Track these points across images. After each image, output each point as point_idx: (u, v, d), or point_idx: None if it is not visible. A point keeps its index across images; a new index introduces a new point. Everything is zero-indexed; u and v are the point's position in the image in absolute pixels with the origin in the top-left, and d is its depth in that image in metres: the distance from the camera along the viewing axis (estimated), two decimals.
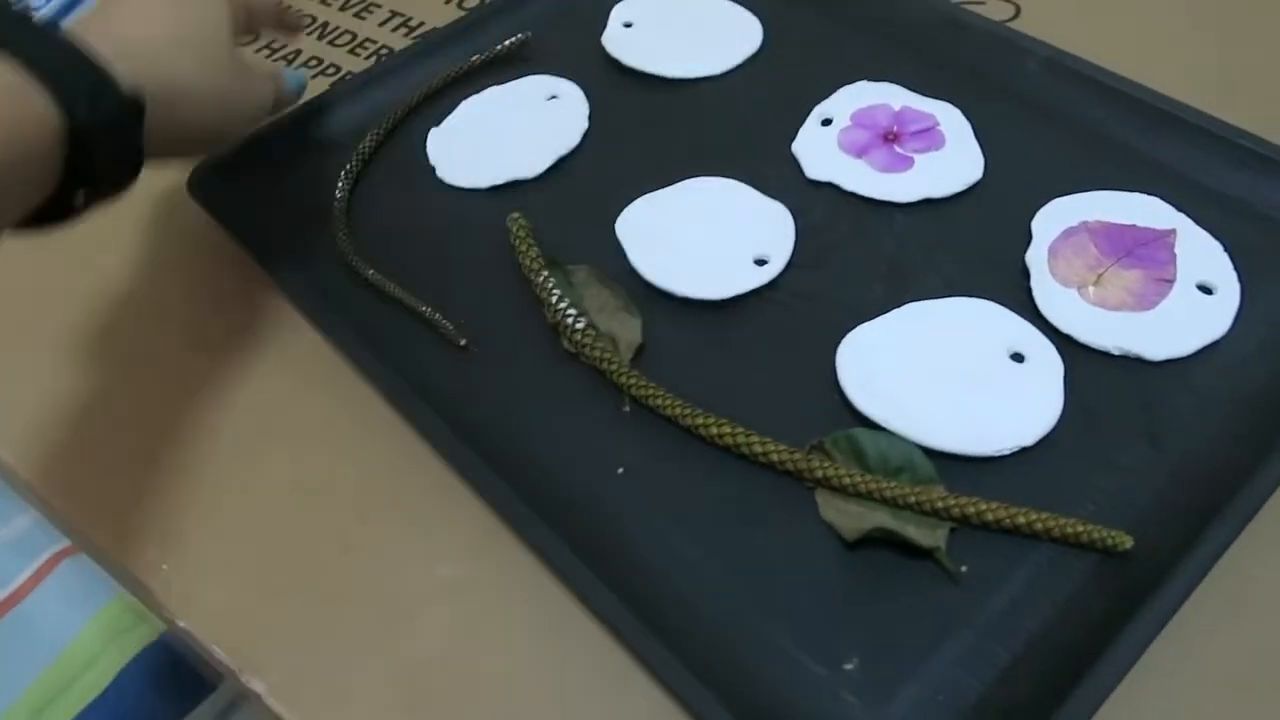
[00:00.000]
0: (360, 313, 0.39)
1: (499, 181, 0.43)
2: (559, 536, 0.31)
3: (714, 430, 0.34)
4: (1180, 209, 0.38)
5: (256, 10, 0.41)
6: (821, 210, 0.40)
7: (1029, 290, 0.36)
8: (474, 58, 0.47)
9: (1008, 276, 0.37)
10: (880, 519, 0.31)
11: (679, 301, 0.38)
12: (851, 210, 0.40)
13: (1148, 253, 0.37)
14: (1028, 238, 0.38)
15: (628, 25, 0.49)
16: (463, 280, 0.40)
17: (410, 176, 0.44)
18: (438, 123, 0.46)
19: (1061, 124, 0.42)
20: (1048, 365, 0.34)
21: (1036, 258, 0.37)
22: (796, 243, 0.39)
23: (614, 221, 0.40)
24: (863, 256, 0.39)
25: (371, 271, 0.40)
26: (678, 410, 0.34)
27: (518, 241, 0.39)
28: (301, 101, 0.45)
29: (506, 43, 0.48)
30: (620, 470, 0.34)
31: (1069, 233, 0.37)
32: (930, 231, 0.39)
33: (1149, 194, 0.38)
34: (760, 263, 0.38)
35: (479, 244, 0.41)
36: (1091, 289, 0.36)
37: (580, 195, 0.42)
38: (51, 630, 0.46)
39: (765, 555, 0.32)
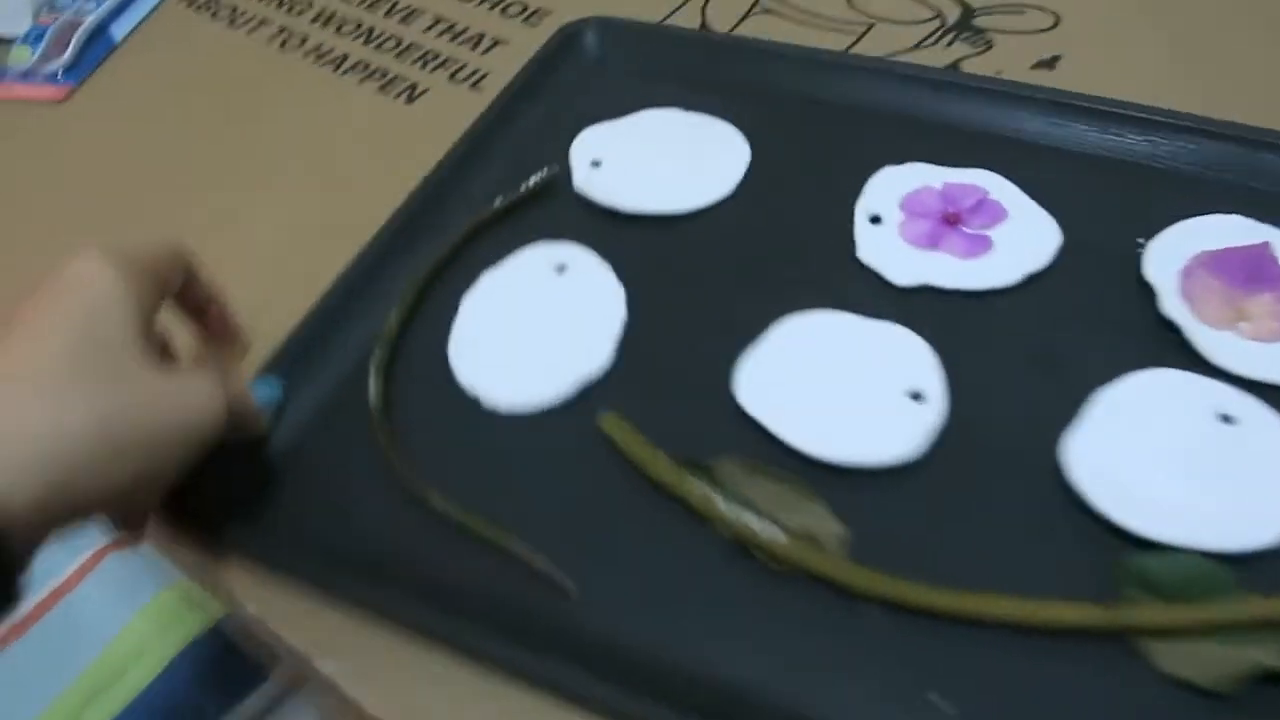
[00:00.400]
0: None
1: (567, 391, 0.35)
2: None
3: (993, 610, 0.28)
4: (1261, 220, 0.37)
5: (166, 282, 0.31)
6: (933, 318, 0.36)
7: (1182, 345, 0.34)
8: (498, 201, 0.40)
9: (1155, 334, 0.35)
10: (1250, 655, 0.27)
11: (853, 474, 0.32)
12: (960, 309, 0.36)
13: (1262, 272, 0.36)
14: (1146, 289, 0.36)
15: (596, 164, 0.42)
16: (554, 508, 0.32)
17: (444, 393, 0.36)
18: (445, 331, 0.37)
19: (1098, 162, 0.40)
20: (1265, 420, 0.32)
21: (1176, 308, 0.35)
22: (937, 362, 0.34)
23: (720, 395, 0.34)
24: (1011, 358, 0.35)
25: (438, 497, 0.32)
26: (942, 601, 0.28)
27: (631, 446, 0.32)
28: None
29: (535, 180, 0.41)
30: (927, 692, 0.27)
31: (1187, 274, 0.36)
32: (1051, 310, 0.36)
33: (1225, 213, 0.38)
34: (915, 397, 0.34)
35: (559, 460, 0.33)
36: (1243, 325, 0.34)
37: (666, 375, 0.35)
38: (100, 622, 0.46)
39: None
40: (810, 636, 0.29)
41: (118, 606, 0.46)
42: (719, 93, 0.45)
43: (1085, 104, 0.41)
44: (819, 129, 0.43)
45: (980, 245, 0.38)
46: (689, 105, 0.44)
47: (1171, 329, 0.35)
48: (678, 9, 0.52)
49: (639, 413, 0.33)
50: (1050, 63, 0.46)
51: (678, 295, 0.38)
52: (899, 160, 0.41)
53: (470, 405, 0.35)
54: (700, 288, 0.38)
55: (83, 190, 0.49)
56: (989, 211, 0.39)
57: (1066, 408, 0.33)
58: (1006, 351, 0.35)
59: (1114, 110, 0.40)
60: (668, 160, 0.42)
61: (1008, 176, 0.40)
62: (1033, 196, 0.39)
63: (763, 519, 0.30)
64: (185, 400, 0.29)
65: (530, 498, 0.33)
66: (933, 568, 0.29)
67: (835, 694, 0.28)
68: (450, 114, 0.46)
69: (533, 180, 0.41)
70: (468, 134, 0.43)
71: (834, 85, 0.44)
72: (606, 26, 0.48)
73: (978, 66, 0.46)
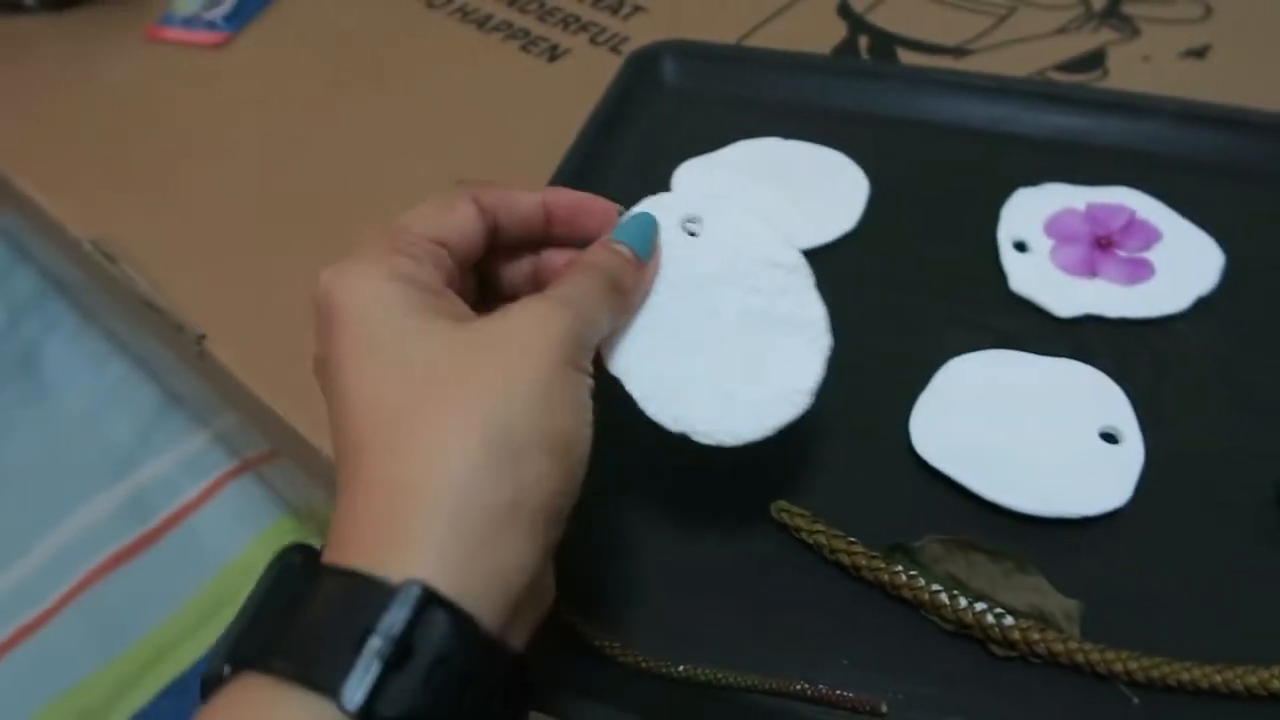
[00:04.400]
0: None
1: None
2: None
3: (1260, 683, 0.25)
4: None
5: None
6: (1108, 350, 0.33)
7: None
8: None
9: None
10: None
11: (1053, 524, 0.30)
12: (1133, 339, 0.34)
13: None
14: None
15: None
16: (758, 622, 0.29)
17: None
18: None
19: (1246, 172, 0.38)
20: None
21: None
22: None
23: (895, 452, 0.31)
24: (1198, 389, 0.32)
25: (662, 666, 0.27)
26: (1198, 676, 0.26)
27: (817, 535, 0.29)
28: None
29: None
30: None
31: None
32: (1231, 334, 0.34)
33: None
34: (1109, 438, 0.31)
35: (736, 564, 0.30)
36: None
37: (830, 435, 0.32)
38: (219, 543, 0.48)
39: None
40: None
41: (238, 530, 0.48)
42: (819, 118, 0.42)
43: (1222, 114, 0.39)
44: (937, 153, 0.40)
45: (1141, 270, 0.35)
46: (788, 133, 0.42)
47: None
48: (766, 21, 0.50)
49: (807, 482, 0.31)
50: (1200, 52, 0.45)
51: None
52: (1033, 181, 0.38)
53: None
54: (845, 333, 0.35)
55: (233, 138, 0.50)
56: (1141, 233, 0.37)
57: (1273, 439, 0.31)
58: (1193, 382, 0.33)
59: (1254, 120, 0.39)
60: (780, 194, 0.39)
61: (1152, 193, 0.38)
62: (1183, 214, 0.37)
63: (985, 602, 0.27)
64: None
65: (729, 619, 0.29)
66: (1173, 633, 0.27)
67: None
68: (591, 75, 0.46)
69: None
70: (555, 178, 0.40)
71: (946, 105, 0.41)
72: (684, 51, 0.46)
73: (1125, 53, 0.46)
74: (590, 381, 0.23)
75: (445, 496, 0.20)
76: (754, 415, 0.27)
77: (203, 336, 0.40)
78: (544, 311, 0.23)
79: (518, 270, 0.28)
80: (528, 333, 0.22)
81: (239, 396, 0.40)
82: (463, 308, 0.24)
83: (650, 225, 0.27)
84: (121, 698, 0.44)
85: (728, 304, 0.28)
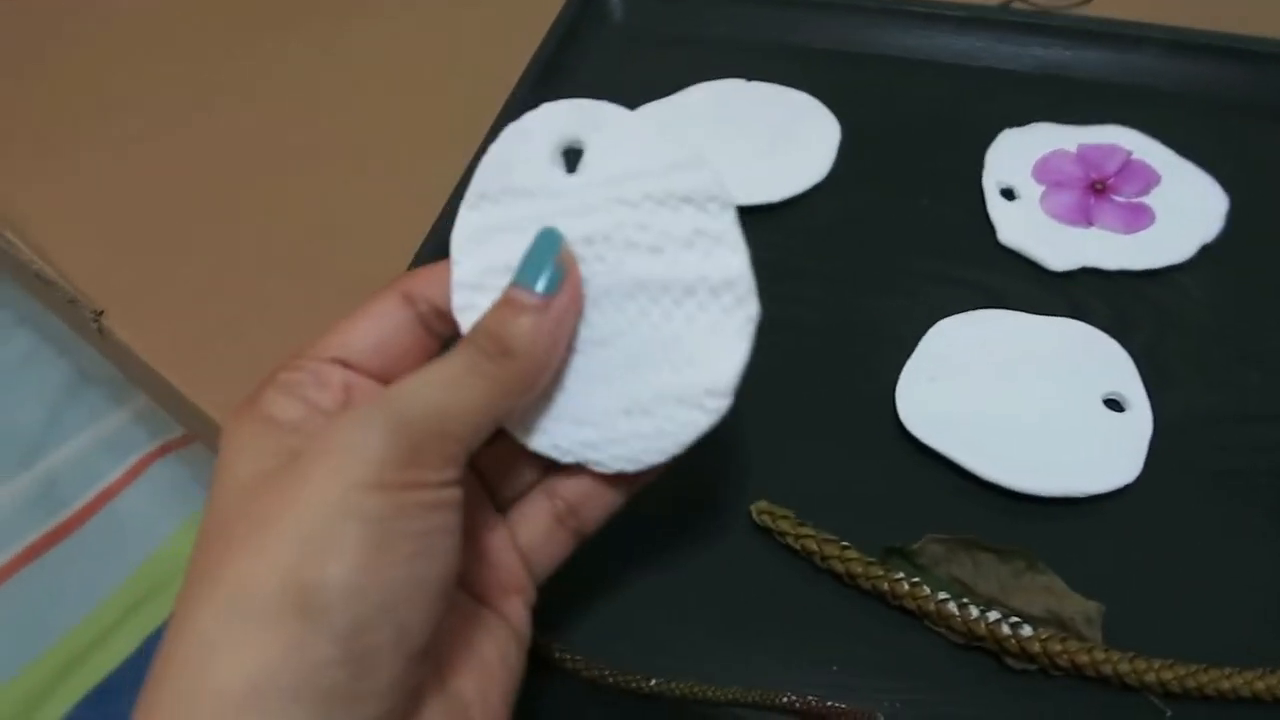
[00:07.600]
0: None
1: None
2: None
3: None
4: None
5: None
6: (1106, 307, 0.29)
7: None
8: None
9: None
10: None
11: (1060, 505, 0.25)
12: (1132, 294, 0.29)
13: None
14: None
15: None
16: (741, 634, 0.24)
17: None
18: None
19: (1246, 107, 0.33)
20: None
21: None
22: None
23: (882, 427, 0.26)
24: (1204, 348, 0.28)
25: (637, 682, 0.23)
26: (1237, 684, 0.22)
27: (805, 540, 0.24)
28: None
29: None
30: None
31: None
32: (1237, 285, 0.29)
33: None
34: (1114, 405, 0.26)
35: (710, 570, 0.25)
36: None
37: (808, 412, 0.27)
38: (145, 529, 0.43)
39: None
40: None
41: (164, 513, 0.44)
42: (783, 56, 0.36)
43: (1216, 42, 0.34)
44: (913, 91, 0.35)
45: (1140, 217, 0.31)
46: (751, 74, 0.36)
47: None
48: None
49: (787, 473, 0.26)
50: None
51: (797, 305, 0.30)
52: (1019, 121, 0.33)
53: None
54: (821, 294, 0.30)
55: (132, 92, 0.42)
56: (1139, 175, 0.32)
57: None
58: (1198, 340, 0.28)
59: (1251, 49, 0.33)
60: (745, 142, 0.33)
61: (1148, 131, 0.33)
62: (1181, 153, 0.32)
63: (997, 609, 0.22)
64: None
65: (706, 631, 0.24)
66: (1198, 627, 0.23)
67: None
68: (534, 9, 0.38)
69: None
70: (495, 126, 0.34)
71: (918, 39, 0.36)
72: None
73: None
74: (437, 495, 0.17)
75: (177, 683, 0.16)
76: (654, 435, 0.20)
77: (100, 312, 0.34)
78: (342, 423, 0.17)
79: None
80: (313, 458, 0.16)
81: (144, 377, 0.34)
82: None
83: (550, 245, 0.20)
84: (36, 710, 0.38)
85: (616, 276, 0.20)
